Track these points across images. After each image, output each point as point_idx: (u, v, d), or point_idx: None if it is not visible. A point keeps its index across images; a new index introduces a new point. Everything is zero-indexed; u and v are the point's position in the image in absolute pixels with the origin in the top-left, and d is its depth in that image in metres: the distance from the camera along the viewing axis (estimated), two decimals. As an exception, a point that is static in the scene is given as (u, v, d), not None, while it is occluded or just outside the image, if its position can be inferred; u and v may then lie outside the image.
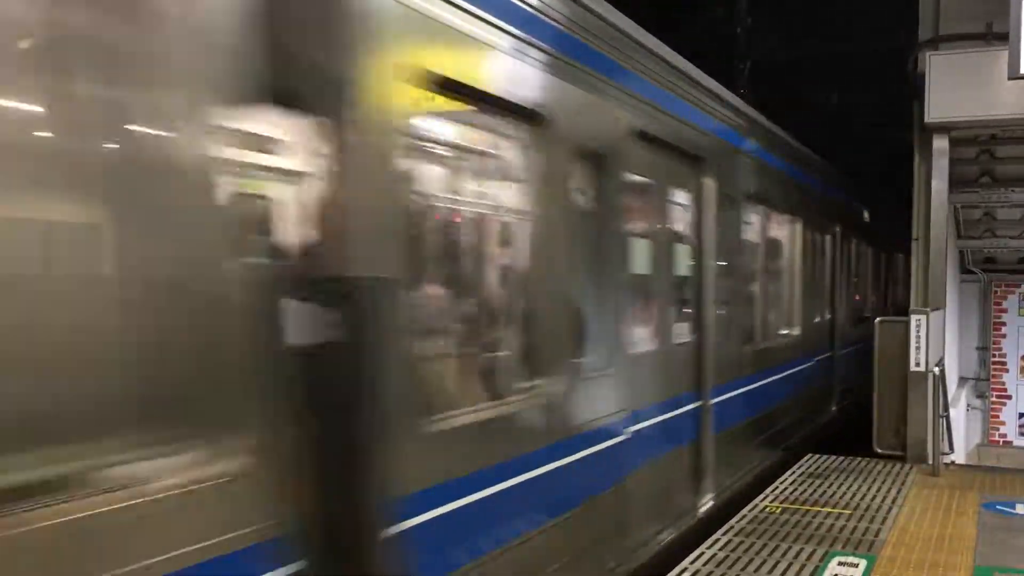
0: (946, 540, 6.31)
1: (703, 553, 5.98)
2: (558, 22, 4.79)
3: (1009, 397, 14.43)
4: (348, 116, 3.18)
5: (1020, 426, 14.40)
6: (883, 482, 8.10)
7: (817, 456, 9.25)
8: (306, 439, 2.96)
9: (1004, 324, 14.39)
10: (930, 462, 8.61)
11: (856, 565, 5.74)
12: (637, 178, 5.91)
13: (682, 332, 6.82)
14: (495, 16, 4.17)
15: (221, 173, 2.74)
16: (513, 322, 4.62)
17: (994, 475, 8.72)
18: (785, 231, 9.96)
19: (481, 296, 4.67)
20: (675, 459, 6.52)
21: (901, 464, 8.85)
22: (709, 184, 7.12)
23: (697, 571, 5.63)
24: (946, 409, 8.87)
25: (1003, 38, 7.38)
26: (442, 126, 4.30)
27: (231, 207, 2.82)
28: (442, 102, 3.96)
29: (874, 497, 7.52)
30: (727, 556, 5.92)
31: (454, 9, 3.87)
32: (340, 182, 3.15)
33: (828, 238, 11.74)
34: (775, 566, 5.73)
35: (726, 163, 7.68)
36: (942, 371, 8.83)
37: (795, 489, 7.84)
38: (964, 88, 8.64)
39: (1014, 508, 7.23)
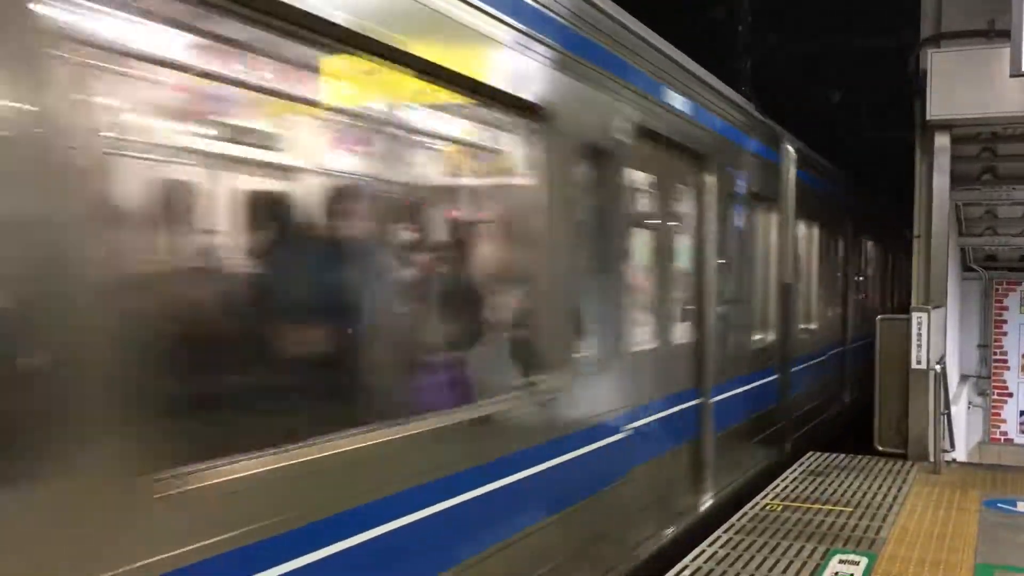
0: (947, 538, 6.31)
1: (704, 551, 5.98)
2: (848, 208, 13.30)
3: (1010, 395, 14.43)
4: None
5: (1021, 424, 14.39)
6: (884, 480, 8.10)
7: (818, 454, 9.25)
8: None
9: (1005, 322, 14.38)
10: (931, 460, 8.61)
11: (857, 563, 5.74)
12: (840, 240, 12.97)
13: (838, 309, 12.89)
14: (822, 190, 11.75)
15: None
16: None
17: (995, 473, 8.71)
18: (884, 256, 17.09)
19: (820, 292, 11.47)
20: (836, 376, 12.63)
21: (902, 462, 8.85)
22: (866, 241, 14.86)
23: (698, 568, 5.63)
24: (947, 407, 8.87)
25: (1005, 35, 7.37)
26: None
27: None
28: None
29: (875, 495, 7.52)
30: (728, 554, 5.91)
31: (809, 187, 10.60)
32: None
33: (897, 257, 17.85)
34: (776, 564, 5.73)
35: (863, 223, 14.39)
36: (943, 369, 8.82)
37: (796, 487, 7.84)
38: (966, 85, 8.63)
39: (1015, 506, 7.23)
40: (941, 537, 6.33)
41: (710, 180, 7.00)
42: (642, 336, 5.91)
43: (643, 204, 6.19)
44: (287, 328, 3.30)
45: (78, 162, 2.33)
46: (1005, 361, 14.40)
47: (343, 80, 3.48)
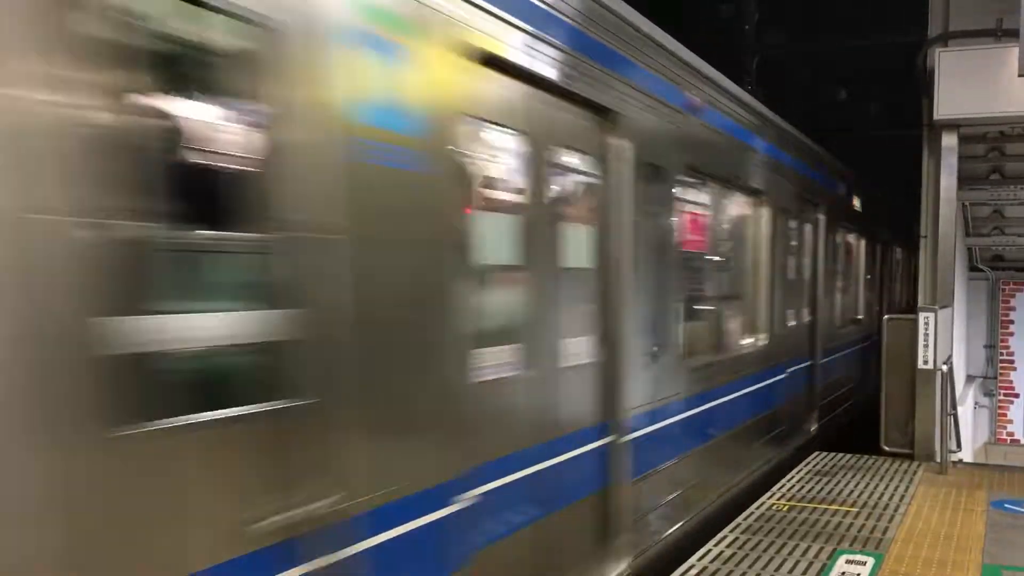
0: (954, 538, 6.30)
1: (710, 550, 5.97)
2: None
3: (1017, 395, 14.39)
4: None
5: (1028, 424, 14.34)
6: (891, 480, 8.09)
7: (824, 454, 9.24)
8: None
9: (1012, 322, 14.34)
10: (938, 460, 8.59)
11: (863, 563, 5.73)
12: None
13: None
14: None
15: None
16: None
17: (1002, 473, 8.68)
18: (908, 257, 18.54)
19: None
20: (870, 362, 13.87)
21: (909, 462, 8.84)
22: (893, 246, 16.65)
23: (704, 568, 5.62)
24: (954, 407, 8.85)
25: (1013, 35, 7.35)
26: None
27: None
28: None
29: (882, 495, 7.51)
30: (734, 553, 5.91)
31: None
32: None
33: (915, 257, 21.13)
34: (782, 564, 5.73)
35: (889, 230, 15.70)
36: (950, 369, 8.81)
37: (802, 487, 7.83)
38: (974, 85, 8.60)
39: (1022, 506, 7.21)
40: (948, 537, 6.31)
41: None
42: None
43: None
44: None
45: None
46: (1012, 361, 14.36)
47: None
